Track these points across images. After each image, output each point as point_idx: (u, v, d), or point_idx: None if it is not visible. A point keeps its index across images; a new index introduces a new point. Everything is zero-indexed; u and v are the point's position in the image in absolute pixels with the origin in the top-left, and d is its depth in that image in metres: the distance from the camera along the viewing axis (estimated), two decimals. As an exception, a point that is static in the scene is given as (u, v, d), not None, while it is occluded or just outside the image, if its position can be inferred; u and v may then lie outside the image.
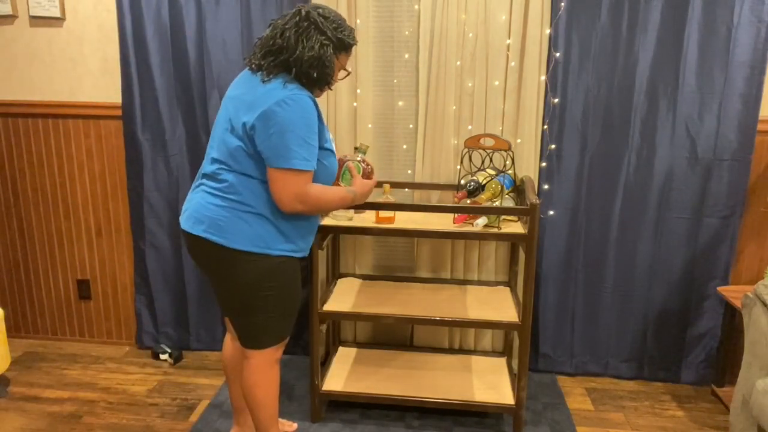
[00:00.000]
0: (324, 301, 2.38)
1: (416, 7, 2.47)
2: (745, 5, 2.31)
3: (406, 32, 2.52)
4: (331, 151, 1.82)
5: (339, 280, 2.65)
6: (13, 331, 3.02)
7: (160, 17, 2.55)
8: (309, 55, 1.67)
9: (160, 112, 2.64)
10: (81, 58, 2.69)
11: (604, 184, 2.54)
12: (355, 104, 2.56)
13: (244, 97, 1.71)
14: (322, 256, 2.57)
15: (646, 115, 2.46)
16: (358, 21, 2.47)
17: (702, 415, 2.47)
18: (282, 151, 1.64)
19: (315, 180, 1.75)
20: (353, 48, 1.81)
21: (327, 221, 2.29)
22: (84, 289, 2.95)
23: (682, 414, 2.48)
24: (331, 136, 1.86)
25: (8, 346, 2.51)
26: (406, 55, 2.54)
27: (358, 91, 2.54)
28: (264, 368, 1.90)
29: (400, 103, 2.60)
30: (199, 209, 1.77)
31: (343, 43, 1.74)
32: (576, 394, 2.61)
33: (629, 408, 2.52)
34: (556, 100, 2.47)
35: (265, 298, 1.80)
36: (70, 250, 2.91)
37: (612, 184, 2.53)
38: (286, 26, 1.69)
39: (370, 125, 2.58)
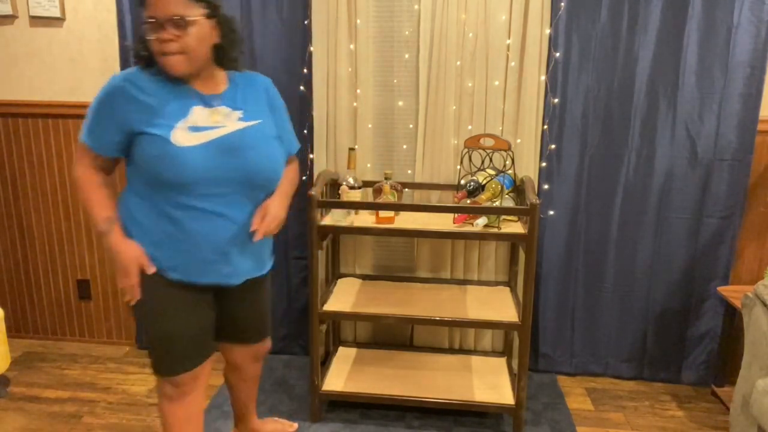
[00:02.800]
0: (324, 301, 2.38)
1: (416, 7, 2.47)
2: (745, 5, 2.31)
3: (406, 32, 2.52)
4: (161, 137, 1.51)
5: (339, 280, 2.65)
6: (13, 331, 3.02)
7: (160, 17, 2.55)
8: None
9: (160, 112, 2.64)
10: (81, 58, 2.69)
11: (604, 184, 2.54)
12: (355, 104, 2.56)
13: None
14: (322, 256, 2.57)
15: (646, 115, 2.46)
16: (358, 21, 2.47)
17: (702, 415, 2.47)
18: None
19: (135, 166, 1.57)
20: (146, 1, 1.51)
21: (327, 221, 2.29)
22: (84, 289, 2.95)
23: (682, 414, 2.48)
24: (182, 124, 1.54)
25: (8, 346, 2.51)
26: (406, 55, 2.54)
27: (358, 91, 2.54)
28: (160, 398, 1.75)
29: (400, 103, 2.60)
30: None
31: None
32: (576, 394, 2.61)
33: (629, 408, 2.52)
34: (556, 100, 2.47)
35: (139, 318, 1.68)
36: (70, 250, 2.91)
37: (612, 184, 2.53)
38: None
39: (370, 125, 2.58)
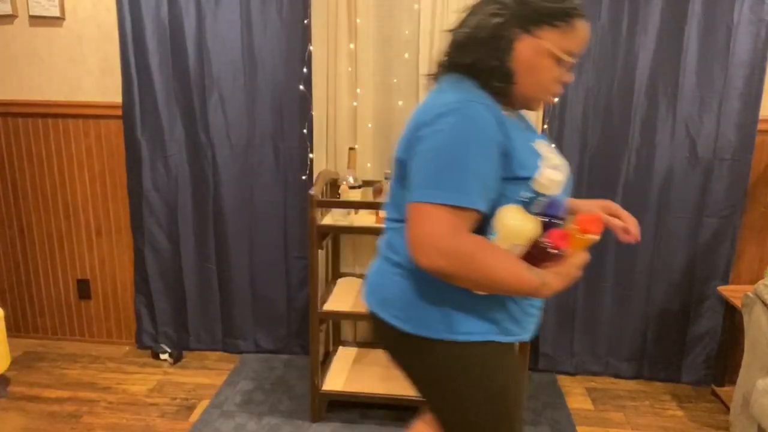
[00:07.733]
0: (324, 301, 2.38)
1: (416, 7, 2.47)
2: (745, 5, 2.31)
3: (406, 32, 2.52)
4: (526, 181, 1.15)
5: (339, 280, 2.65)
6: (13, 331, 3.02)
7: (160, 17, 2.55)
8: (465, 34, 1.15)
9: (160, 112, 2.64)
10: (81, 58, 2.69)
11: (604, 184, 2.54)
12: (355, 104, 2.56)
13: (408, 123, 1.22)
14: (322, 256, 2.57)
15: (646, 115, 2.46)
16: (358, 21, 2.47)
17: (702, 415, 2.47)
18: (424, 178, 1.09)
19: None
20: (574, 23, 1.14)
21: (326, 221, 2.29)
22: (84, 289, 2.95)
23: (682, 414, 2.48)
24: (542, 162, 1.18)
25: (8, 346, 2.51)
26: (406, 55, 2.54)
27: (358, 91, 2.54)
28: None
29: (400, 103, 2.59)
30: (369, 277, 1.39)
31: (537, 13, 1.11)
32: (576, 394, 2.61)
33: (629, 408, 2.52)
34: (556, 100, 2.47)
35: (453, 408, 1.24)
36: (70, 250, 2.91)
37: (612, 184, 2.53)
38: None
39: (370, 125, 2.58)
